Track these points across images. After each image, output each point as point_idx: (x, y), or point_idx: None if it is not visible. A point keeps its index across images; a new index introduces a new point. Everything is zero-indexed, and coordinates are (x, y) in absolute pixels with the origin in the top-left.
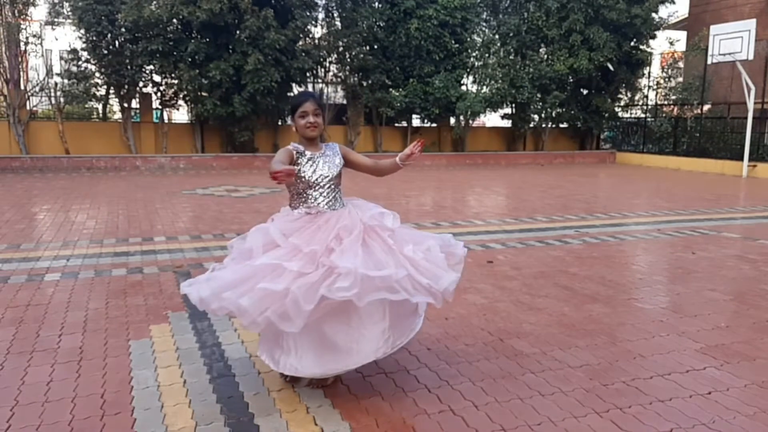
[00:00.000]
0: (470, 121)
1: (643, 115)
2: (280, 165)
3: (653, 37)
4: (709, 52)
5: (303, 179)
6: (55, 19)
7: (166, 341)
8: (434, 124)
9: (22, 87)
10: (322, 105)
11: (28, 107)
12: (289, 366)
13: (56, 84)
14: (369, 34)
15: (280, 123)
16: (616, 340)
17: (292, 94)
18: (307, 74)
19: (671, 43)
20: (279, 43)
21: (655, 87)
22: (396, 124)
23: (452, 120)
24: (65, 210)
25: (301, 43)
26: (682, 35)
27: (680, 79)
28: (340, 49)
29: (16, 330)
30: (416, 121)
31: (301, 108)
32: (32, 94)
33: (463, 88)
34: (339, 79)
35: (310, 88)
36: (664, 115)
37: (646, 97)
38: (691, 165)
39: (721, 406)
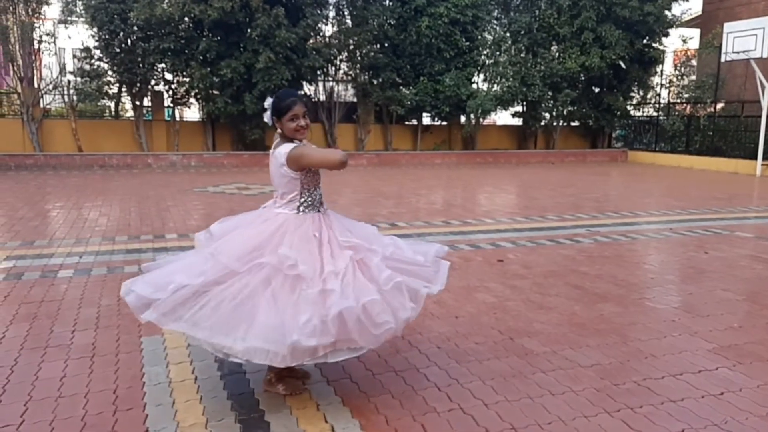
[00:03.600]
0: (481, 120)
1: (655, 114)
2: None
3: (666, 34)
4: (723, 50)
5: (317, 176)
6: (68, 18)
7: (178, 338)
8: (445, 123)
9: (36, 85)
10: (308, 105)
11: (41, 105)
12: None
13: (69, 82)
14: (380, 32)
15: None
16: (627, 339)
17: (303, 93)
18: (318, 72)
19: (684, 41)
20: (290, 41)
21: (667, 85)
22: (406, 123)
23: (463, 118)
24: (78, 207)
25: (311, 41)
26: (695, 33)
27: (693, 77)
28: (351, 47)
29: (30, 326)
30: (426, 120)
31: (291, 111)
32: (46, 92)
33: (474, 86)
34: (349, 78)
35: (320, 87)
36: (676, 113)
37: (659, 95)
38: (704, 164)
39: (734, 407)
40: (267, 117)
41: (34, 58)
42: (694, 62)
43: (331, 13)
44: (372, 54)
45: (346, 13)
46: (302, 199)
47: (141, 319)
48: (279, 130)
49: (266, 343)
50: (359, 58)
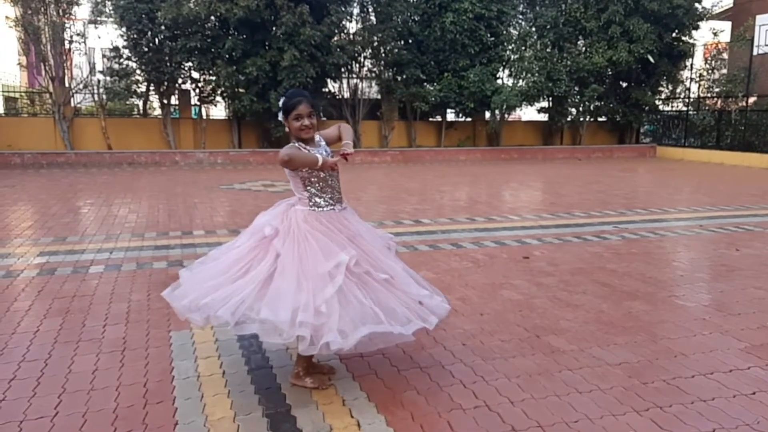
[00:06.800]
0: (506, 115)
1: (684, 108)
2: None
3: (696, 27)
4: (755, 43)
5: (322, 174)
6: (98, 18)
7: (206, 333)
8: (469, 119)
9: (67, 84)
10: (315, 105)
11: (72, 104)
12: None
13: (99, 81)
14: (404, 28)
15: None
16: (656, 337)
17: (327, 90)
18: (342, 70)
19: (715, 34)
20: (314, 38)
21: (697, 79)
22: (430, 119)
23: (487, 114)
24: (108, 204)
25: (336, 38)
26: (726, 25)
27: (724, 71)
28: (375, 44)
29: (63, 320)
30: (451, 116)
31: (296, 111)
32: (76, 91)
33: (499, 81)
34: (373, 74)
35: (344, 84)
36: (706, 108)
37: (688, 89)
38: (735, 159)
39: (766, 407)
40: (280, 116)
41: (65, 57)
42: (725, 55)
43: (356, 10)
44: (396, 50)
45: (370, 10)
46: (311, 197)
47: (306, 351)
48: (287, 129)
49: (422, 322)
50: (383, 54)
